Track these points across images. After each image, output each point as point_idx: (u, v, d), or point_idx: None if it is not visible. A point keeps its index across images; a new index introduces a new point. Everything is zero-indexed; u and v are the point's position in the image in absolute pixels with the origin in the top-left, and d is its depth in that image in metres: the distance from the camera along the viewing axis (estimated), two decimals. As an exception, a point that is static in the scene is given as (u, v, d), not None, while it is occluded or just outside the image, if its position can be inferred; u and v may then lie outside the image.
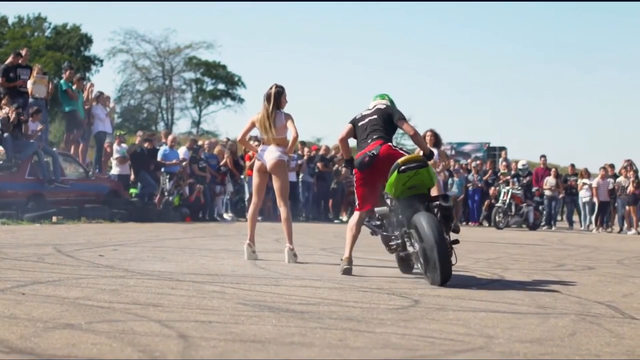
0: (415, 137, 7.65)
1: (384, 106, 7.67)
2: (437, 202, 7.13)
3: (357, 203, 7.60)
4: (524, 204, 22.33)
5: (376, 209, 7.39)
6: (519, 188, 22.59)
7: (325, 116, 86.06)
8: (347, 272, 7.48)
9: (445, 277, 6.76)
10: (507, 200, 22.00)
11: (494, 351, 4.10)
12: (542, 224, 23.81)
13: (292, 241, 8.74)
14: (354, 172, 7.57)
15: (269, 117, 8.81)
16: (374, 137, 7.43)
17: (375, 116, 7.55)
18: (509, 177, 23.15)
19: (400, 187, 7.03)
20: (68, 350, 3.61)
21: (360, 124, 7.59)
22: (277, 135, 8.86)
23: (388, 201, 7.40)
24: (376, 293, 6.28)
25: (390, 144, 7.42)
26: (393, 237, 7.43)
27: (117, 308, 4.87)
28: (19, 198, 15.37)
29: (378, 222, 7.82)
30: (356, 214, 7.69)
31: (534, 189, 23.81)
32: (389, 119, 7.57)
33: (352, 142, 8.01)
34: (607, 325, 5.15)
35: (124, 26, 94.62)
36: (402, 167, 6.98)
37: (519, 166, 23.74)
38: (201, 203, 19.68)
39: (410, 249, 7.16)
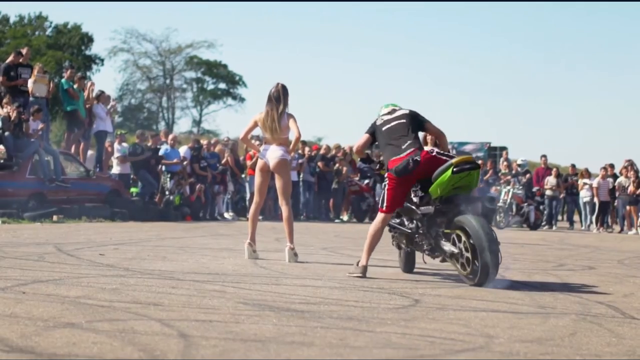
0: (443, 138, 7.73)
1: (408, 110, 7.62)
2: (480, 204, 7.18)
3: (384, 205, 7.40)
4: (525, 204, 22.35)
5: (422, 208, 7.31)
6: (520, 188, 22.61)
7: (326, 115, 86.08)
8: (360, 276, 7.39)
9: (488, 278, 6.81)
10: (508, 200, 22.01)
11: (495, 351, 4.10)
12: (543, 223, 23.81)
13: (292, 240, 8.73)
14: (386, 175, 7.40)
15: (275, 117, 8.78)
16: (408, 142, 7.32)
17: (403, 120, 7.47)
18: (509, 177, 23.17)
19: (448, 187, 7.04)
20: (68, 349, 3.61)
21: (384, 128, 7.45)
22: (281, 135, 8.86)
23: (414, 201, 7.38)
24: (377, 292, 6.28)
25: (425, 149, 7.40)
26: (417, 235, 7.44)
27: (118, 307, 4.87)
28: (20, 197, 15.37)
29: (397, 220, 7.81)
30: (381, 216, 7.45)
31: (535, 188, 23.82)
32: (416, 123, 7.54)
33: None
34: (608, 325, 5.15)
35: (125, 25, 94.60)
36: (456, 168, 6.98)
37: (518, 162, 23.75)
38: (202, 203, 19.69)
39: (450, 249, 7.09)
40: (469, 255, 6.89)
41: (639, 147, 72.54)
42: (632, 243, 17.20)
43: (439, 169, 7.07)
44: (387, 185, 7.34)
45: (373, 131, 7.65)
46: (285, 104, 8.82)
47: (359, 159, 8.19)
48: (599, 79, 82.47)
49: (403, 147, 7.30)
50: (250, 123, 9.08)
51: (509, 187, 22.39)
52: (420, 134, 7.81)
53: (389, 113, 7.67)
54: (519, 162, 23.85)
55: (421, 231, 7.39)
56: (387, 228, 8.13)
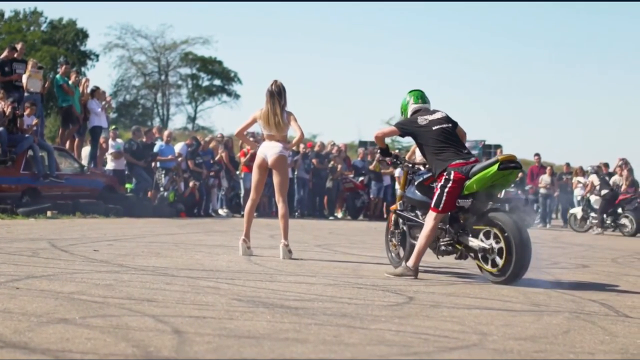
0: (465, 138, 7.78)
1: (445, 114, 7.61)
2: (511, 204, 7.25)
3: (440, 206, 7.20)
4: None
5: (460, 200, 7.25)
6: (512, 185, 22.61)
7: (321, 113, 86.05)
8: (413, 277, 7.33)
9: (518, 276, 6.95)
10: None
11: (488, 348, 4.11)
12: (537, 222, 23.84)
13: (287, 237, 8.73)
14: (451, 177, 7.31)
15: (278, 112, 8.77)
16: (464, 150, 7.40)
17: (450, 124, 7.49)
18: None
19: (488, 183, 7.07)
20: (62, 345, 3.60)
21: (435, 128, 7.40)
22: (281, 132, 8.86)
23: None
24: (371, 290, 6.28)
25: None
26: (443, 230, 7.45)
27: (112, 303, 4.87)
28: (14, 192, 15.33)
29: (412, 214, 7.86)
30: (438, 216, 7.25)
31: (527, 187, 23.82)
32: (455, 128, 7.58)
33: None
34: (601, 323, 5.16)
35: (120, 21, 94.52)
36: (502, 165, 6.99)
37: None
38: (196, 199, 19.67)
39: (479, 244, 7.11)
40: (501, 248, 6.94)
41: (633, 145, 72.63)
42: (625, 241, 17.23)
43: (482, 164, 7.09)
44: (447, 187, 7.15)
45: (409, 133, 7.57)
46: (285, 100, 8.83)
47: (377, 147, 8.21)
48: (594, 77, 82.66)
49: (465, 152, 7.37)
50: (248, 119, 9.04)
51: None
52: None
53: (428, 112, 7.62)
54: None
55: (441, 227, 7.41)
56: (392, 222, 8.18)
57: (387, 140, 8.19)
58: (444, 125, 7.44)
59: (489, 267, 7.09)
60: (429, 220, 7.26)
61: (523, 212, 7.31)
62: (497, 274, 7.02)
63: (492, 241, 7.03)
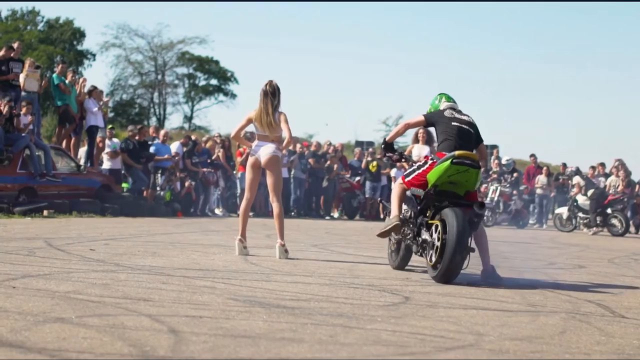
0: (484, 161, 7.89)
1: (472, 120, 7.66)
2: (471, 207, 7.19)
3: (408, 177, 7.53)
4: (512, 202, 22.30)
5: (412, 189, 7.43)
6: (507, 185, 22.58)
7: (317, 112, 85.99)
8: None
9: (449, 278, 6.89)
10: (496, 198, 21.96)
11: (484, 349, 4.11)
12: (534, 222, 23.82)
13: (283, 237, 8.73)
14: (435, 157, 7.42)
15: (270, 112, 8.78)
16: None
17: (472, 130, 7.53)
18: (495, 175, 23.14)
19: (444, 177, 7.09)
20: (58, 344, 3.60)
21: (454, 123, 7.47)
22: (274, 132, 8.86)
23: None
24: (367, 290, 6.29)
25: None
26: (406, 223, 7.54)
27: (108, 302, 4.87)
28: (10, 191, 15.32)
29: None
30: (401, 185, 7.64)
31: (523, 187, 23.79)
32: (475, 138, 7.60)
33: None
34: (597, 323, 5.17)
35: (117, 20, 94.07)
36: (456, 160, 7.03)
37: (503, 162, 23.72)
38: (192, 199, 19.66)
39: (424, 237, 7.21)
40: (438, 246, 6.98)
41: (629, 146, 72.70)
42: (622, 242, 17.26)
43: (445, 157, 7.13)
44: (423, 167, 7.35)
45: (433, 121, 7.65)
46: (279, 100, 8.84)
47: (382, 143, 8.29)
48: (590, 77, 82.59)
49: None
50: (243, 120, 9.06)
51: (496, 185, 22.36)
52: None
53: (456, 111, 7.68)
54: (503, 161, 23.83)
55: (411, 220, 7.50)
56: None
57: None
58: (464, 127, 7.50)
59: (427, 260, 7.18)
60: (395, 185, 7.75)
61: (477, 217, 7.24)
62: (432, 270, 7.07)
63: (435, 236, 7.06)
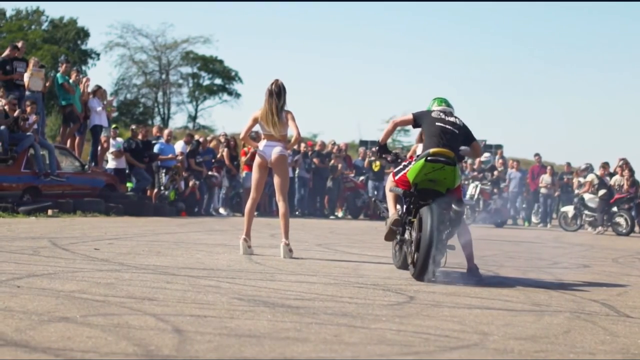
0: (478, 153, 8.17)
1: (463, 124, 7.64)
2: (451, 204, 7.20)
3: (397, 175, 7.58)
4: (492, 200, 21.93)
5: (391, 188, 7.52)
6: (488, 183, 22.23)
7: (321, 112, 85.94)
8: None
9: (421, 275, 6.90)
10: (476, 196, 21.66)
11: (489, 348, 4.11)
12: (538, 221, 23.74)
13: (288, 236, 8.73)
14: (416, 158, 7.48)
15: (275, 111, 8.77)
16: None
17: (457, 131, 7.51)
18: (476, 172, 22.74)
19: (421, 176, 7.13)
20: (63, 343, 3.60)
21: (438, 124, 7.47)
22: (280, 132, 8.86)
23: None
24: (371, 289, 6.29)
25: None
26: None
27: (112, 302, 4.87)
28: (15, 191, 15.33)
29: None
30: (391, 182, 7.75)
31: (503, 184, 23.22)
32: (465, 140, 7.62)
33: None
34: (602, 323, 5.17)
35: (121, 20, 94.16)
36: (430, 158, 7.05)
37: (482, 159, 22.94)
38: (197, 198, 19.66)
39: (406, 235, 7.36)
40: (412, 246, 7.09)
41: (633, 145, 72.57)
42: (626, 241, 17.23)
43: (420, 156, 7.22)
44: (410, 166, 7.36)
45: (421, 121, 7.65)
46: (285, 100, 8.83)
47: (377, 146, 8.32)
48: (595, 77, 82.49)
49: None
50: (249, 122, 9.04)
51: (477, 182, 22.08)
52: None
53: (445, 113, 7.68)
54: (482, 158, 23.12)
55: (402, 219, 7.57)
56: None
57: (388, 140, 8.24)
58: (448, 127, 7.48)
59: (409, 258, 7.24)
60: (387, 181, 7.88)
61: (456, 214, 7.24)
62: (412, 268, 7.15)
63: (414, 234, 7.13)
